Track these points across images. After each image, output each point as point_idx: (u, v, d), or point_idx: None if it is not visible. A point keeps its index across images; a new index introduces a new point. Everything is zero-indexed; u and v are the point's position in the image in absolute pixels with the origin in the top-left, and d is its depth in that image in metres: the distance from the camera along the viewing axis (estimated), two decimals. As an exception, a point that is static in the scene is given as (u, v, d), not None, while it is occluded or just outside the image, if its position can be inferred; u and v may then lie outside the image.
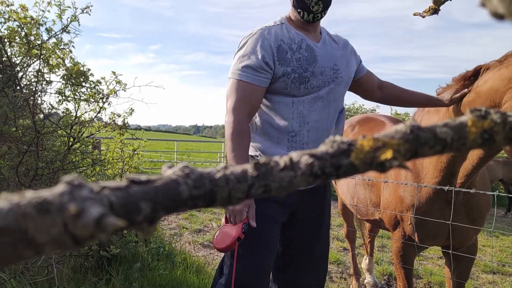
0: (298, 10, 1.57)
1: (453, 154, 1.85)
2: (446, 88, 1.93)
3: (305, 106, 1.58)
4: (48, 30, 2.71)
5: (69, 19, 2.72)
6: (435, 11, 1.59)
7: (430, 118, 2.03)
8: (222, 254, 1.73)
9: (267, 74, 1.54)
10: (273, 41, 1.55)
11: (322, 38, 1.68)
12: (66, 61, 2.80)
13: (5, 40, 2.60)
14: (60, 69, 2.79)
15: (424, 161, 2.04)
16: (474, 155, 1.78)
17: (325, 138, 1.59)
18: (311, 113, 1.59)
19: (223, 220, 1.58)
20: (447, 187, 1.88)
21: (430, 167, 1.99)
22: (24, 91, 2.71)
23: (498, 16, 0.33)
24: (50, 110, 2.87)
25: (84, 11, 2.75)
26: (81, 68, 2.75)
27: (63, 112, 2.86)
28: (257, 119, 1.65)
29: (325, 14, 1.59)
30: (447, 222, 1.96)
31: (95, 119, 2.91)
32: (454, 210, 1.95)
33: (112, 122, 2.95)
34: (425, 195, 2.01)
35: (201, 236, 4.81)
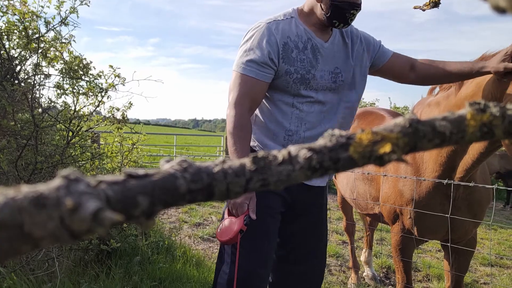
0: (334, 21, 1.51)
1: (453, 149, 1.83)
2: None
3: (304, 107, 1.58)
4: (47, 23, 2.69)
5: (67, 11, 2.70)
6: (435, 4, 1.58)
7: (430, 112, 2.00)
8: (220, 246, 1.75)
9: (271, 70, 1.54)
10: (279, 38, 1.53)
11: (333, 35, 1.63)
12: (65, 54, 2.79)
13: (3, 33, 2.59)
14: (59, 63, 2.78)
15: (424, 155, 2.03)
16: (474, 150, 1.76)
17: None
18: (309, 114, 1.59)
19: (225, 212, 1.59)
20: (446, 181, 1.88)
21: (430, 161, 1.98)
22: (23, 84, 2.70)
23: (500, 10, 0.32)
24: (49, 104, 2.87)
25: (83, 3, 2.73)
26: (83, 61, 2.74)
27: (61, 106, 2.86)
28: (257, 111, 1.66)
29: None
30: (447, 216, 1.96)
31: (94, 113, 2.90)
32: (455, 204, 1.95)
33: (111, 116, 2.95)
34: (425, 189, 2.00)
35: (200, 230, 4.82)
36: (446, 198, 1.96)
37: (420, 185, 2.02)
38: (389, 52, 1.75)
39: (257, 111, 1.66)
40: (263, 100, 1.63)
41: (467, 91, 1.75)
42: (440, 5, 1.56)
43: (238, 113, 1.51)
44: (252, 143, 1.66)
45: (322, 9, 1.52)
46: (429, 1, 1.57)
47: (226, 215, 1.59)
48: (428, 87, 2.25)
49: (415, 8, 1.65)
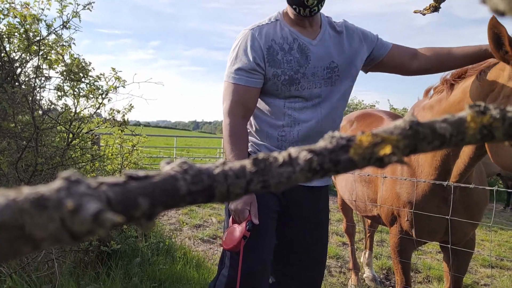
0: (294, 6, 1.52)
1: (446, 153, 1.84)
2: None
3: (296, 106, 1.57)
4: (49, 26, 2.70)
5: (69, 15, 2.72)
6: (435, 8, 1.58)
7: (425, 115, 2.00)
8: (222, 249, 1.75)
9: (259, 75, 1.54)
10: (263, 43, 1.54)
11: (321, 31, 1.62)
12: (65, 57, 2.80)
13: (4, 36, 2.59)
14: (59, 65, 2.78)
15: (419, 159, 2.04)
16: (465, 154, 1.77)
17: (316, 136, 1.57)
18: (301, 113, 1.58)
19: (230, 220, 1.60)
20: (446, 182, 1.89)
21: (425, 165, 1.99)
22: (23, 87, 2.71)
23: (499, 13, 0.33)
24: (49, 106, 2.87)
25: (86, 8, 2.75)
26: (82, 63, 2.75)
27: (62, 108, 2.86)
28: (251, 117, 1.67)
29: (321, 6, 1.54)
30: (445, 218, 1.97)
31: (94, 115, 2.90)
32: (451, 207, 1.96)
33: (112, 118, 2.95)
34: (421, 192, 2.01)
35: (200, 231, 4.82)
36: (442, 201, 1.97)
37: (416, 188, 2.03)
38: (389, 44, 1.72)
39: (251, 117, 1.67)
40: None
41: (454, 97, 1.77)
42: (440, 9, 1.56)
43: (232, 122, 1.54)
44: (249, 148, 1.67)
45: (288, 0, 1.53)
46: (429, 5, 1.57)
47: (230, 223, 1.59)
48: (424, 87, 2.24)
49: (415, 12, 1.65)
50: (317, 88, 1.58)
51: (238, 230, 1.52)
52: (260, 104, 1.63)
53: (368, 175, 2.49)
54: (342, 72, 1.62)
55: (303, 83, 1.56)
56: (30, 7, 2.62)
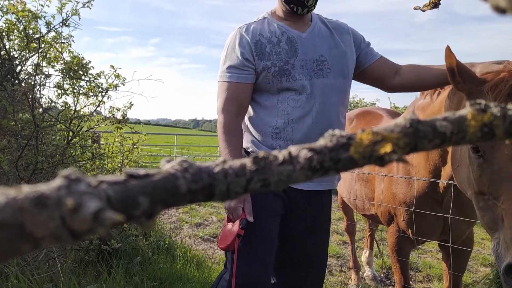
0: (291, 5, 1.54)
1: (437, 158, 1.85)
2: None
3: (290, 103, 1.55)
4: (48, 24, 2.70)
5: (69, 13, 2.71)
6: (435, 5, 1.58)
7: (417, 116, 2.00)
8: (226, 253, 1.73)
9: (250, 70, 1.55)
10: (250, 38, 1.56)
11: (312, 26, 1.63)
12: (65, 55, 2.80)
13: (3, 33, 2.59)
14: (59, 63, 2.78)
15: (413, 162, 2.05)
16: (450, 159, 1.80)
17: (313, 133, 1.54)
18: (295, 109, 1.55)
19: (225, 219, 1.59)
20: (446, 181, 1.89)
21: (419, 167, 2.01)
22: (23, 85, 2.71)
23: (500, 10, 0.32)
24: (49, 104, 2.87)
25: (86, 5, 2.75)
26: (82, 61, 2.75)
27: (62, 106, 2.86)
28: (246, 117, 1.67)
29: (316, 3, 1.56)
30: (440, 218, 1.99)
31: (94, 113, 2.90)
32: (446, 208, 1.97)
33: (112, 116, 2.95)
34: (416, 194, 2.03)
35: (201, 230, 4.82)
36: (436, 202, 1.99)
37: (410, 190, 2.05)
38: (378, 54, 1.73)
39: (246, 116, 1.66)
40: (250, 105, 1.64)
41: (434, 107, 1.79)
42: (440, 5, 1.56)
43: (225, 119, 1.55)
44: (245, 144, 1.66)
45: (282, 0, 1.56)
46: (429, 1, 1.57)
47: (225, 222, 1.58)
48: None
49: (415, 8, 1.65)
50: (307, 80, 1.56)
51: (232, 228, 1.50)
52: (254, 103, 1.63)
53: (368, 174, 2.49)
54: (333, 67, 1.60)
55: (294, 74, 1.55)
56: (24, 1, 2.61)
